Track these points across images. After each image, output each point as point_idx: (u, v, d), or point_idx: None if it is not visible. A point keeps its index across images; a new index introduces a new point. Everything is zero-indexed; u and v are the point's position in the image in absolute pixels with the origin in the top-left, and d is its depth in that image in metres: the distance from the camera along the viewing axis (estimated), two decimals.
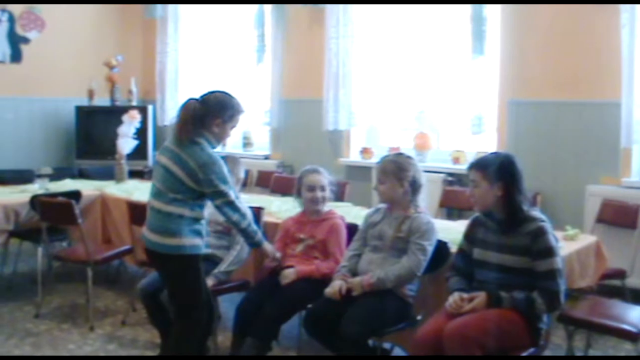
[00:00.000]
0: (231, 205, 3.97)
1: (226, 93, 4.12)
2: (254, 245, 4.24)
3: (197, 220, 3.98)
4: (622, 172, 5.76)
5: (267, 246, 4.31)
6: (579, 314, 4.08)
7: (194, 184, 3.90)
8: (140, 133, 7.32)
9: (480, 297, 3.59)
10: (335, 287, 4.05)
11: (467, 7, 6.37)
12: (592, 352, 4.64)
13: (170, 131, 7.93)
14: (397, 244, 4.06)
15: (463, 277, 3.82)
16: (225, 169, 3.97)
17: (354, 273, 4.16)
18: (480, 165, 3.75)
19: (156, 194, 4.02)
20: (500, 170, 3.68)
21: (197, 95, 4.07)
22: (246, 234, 4.14)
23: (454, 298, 3.66)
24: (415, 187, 4.14)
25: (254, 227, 4.15)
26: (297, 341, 4.74)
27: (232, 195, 3.98)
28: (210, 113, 3.97)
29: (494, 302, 3.56)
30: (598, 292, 4.75)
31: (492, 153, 4.00)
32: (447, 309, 3.65)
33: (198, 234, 3.99)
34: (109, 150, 7.44)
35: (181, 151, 3.93)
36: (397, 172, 4.12)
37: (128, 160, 7.02)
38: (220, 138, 4.06)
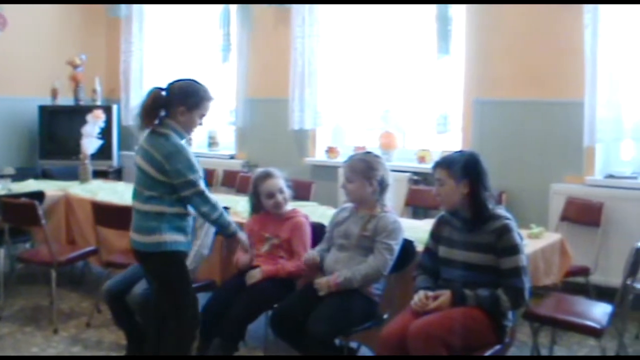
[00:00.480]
0: (201, 195, 3.88)
1: (192, 80, 4.06)
2: (229, 235, 4.13)
3: (179, 216, 3.91)
4: (585, 170, 5.82)
5: (242, 235, 4.21)
6: (543, 311, 4.12)
7: (164, 176, 3.82)
8: (105, 133, 7.27)
9: (445, 295, 3.61)
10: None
11: (433, 7, 6.39)
12: (557, 349, 4.68)
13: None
14: (363, 243, 4.06)
15: (429, 276, 3.83)
16: (192, 158, 3.87)
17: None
18: (445, 163, 3.76)
19: (135, 194, 3.96)
20: (465, 168, 3.70)
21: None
22: (219, 224, 4.05)
23: (419, 296, 3.67)
24: (383, 186, 4.15)
25: (226, 217, 4.06)
26: (264, 341, 4.72)
27: (201, 185, 3.88)
28: (174, 101, 3.90)
29: (459, 300, 3.57)
30: (562, 289, 4.81)
31: (456, 152, 4.02)
32: (412, 307, 3.66)
33: (180, 230, 3.91)
34: (73, 150, 7.35)
35: (148, 145, 3.86)
36: (366, 171, 4.12)
37: (92, 160, 6.96)
38: (187, 127, 3.96)
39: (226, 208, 4.93)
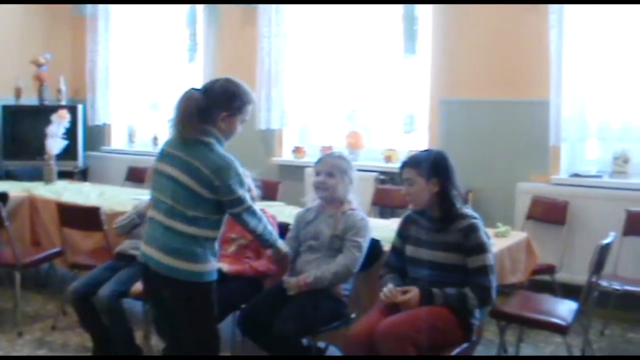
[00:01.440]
0: (250, 210, 3.48)
1: (232, 80, 3.59)
2: (269, 246, 3.79)
3: (215, 239, 3.49)
4: (551, 169, 5.86)
5: (281, 244, 3.85)
6: (510, 309, 4.14)
7: (211, 194, 3.36)
8: (70, 133, 7.20)
9: (414, 291, 3.61)
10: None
11: (399, 7, 6.41)
12: (523, 346, 4.72)
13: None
14: (334, 244, 4.06)
15: (396, 275, 3.84)
16: (241, 171, 3.46)
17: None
18: (414, 162, 3.77)
19: (168, 211, 3.40)
20: (434, 167, 3.71)
21: (199, 86, 3.55)
22: (262, 238, 3.66)
23: (388, 287, 3.67)
24: (351, 184, 4.19)
25: (269, 227, 3.68)
26: (232, 341, 4.70)
27: (249, 200, 3.49)
28: (214, 105, 3.43)
29: (426, 299, 3.58)
30: (529, 287, 4.84)
31: (423, 150, 4.03)
32: (381, 298, 3.66)
33: (215, 255, 3.50)
34: (38, 150, 7.27)
35: (188, 156, 3.39)
36: (347, 169, 4.17)
37: (57, 161, 6.90)
38: (228, 134, 3.52)
39: None
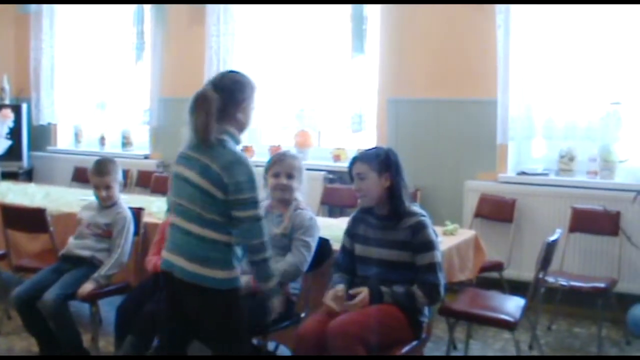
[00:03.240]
0: (258, 222, 3.24)
1: (234, 70, 3.56)
2: (263, 281, 3.39)
3: (237, 245, 3.32)
4: (498, 167, 5.93)
5: (275, 302, 3.52)
6: (459, 306, 4.17)
7: (223, 193, 3.20)
8: (14, 133, 7.09)
9: (363, 293, 3.61)
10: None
11: (348, 7, 6.42)
12: (472, 343, 4.75)
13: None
14: (282, 242, 4.04)
15: (345, 273, 3.83)
16: (255, 173, 3.26)
17: None
18: (366, 157, 3.76)
19: (187, 214, 3.30)
20: (386, 161, 3.71)
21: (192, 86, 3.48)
22: (262, 269, 3.34)
23: (334, 292, 3.67)
24: (301, 184, 4.19)
25: (273, 264, 3.37)
26: None
27: (261, 209, 3.28)
28: (233, 99, 3.33)
29: (376, 298, 3.59)
30: (477, 284, 4.88)
31: (373, 147, 4.02)
32: (326, 305, 3.65)
33: (240, 260, 3.34)
34: None
35: (202, 155, 3.27)
36: (302, 170, 4.16)
37: (1, 162, 6.78)
38: (244, 125, 3.41)
39: (141, 209, 4.86)
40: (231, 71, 3.54)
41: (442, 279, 3.63)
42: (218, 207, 3.22)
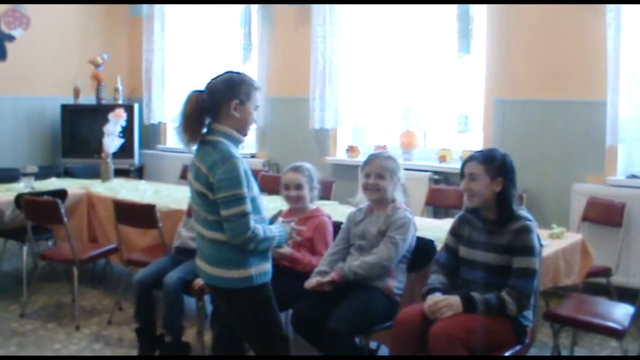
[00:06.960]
0: (244, 218, 3.21)
1: (233, 71, 3.48)
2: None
3: None
4: (607, 170, 5.78)
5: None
6: (564, 311, 4.10)
7: (213, 194, 3.23)
8: (126, 131, 7.31)
9: (456, 304, 3.56)
10: (312, 282, 4.05)
11: (454, 7, 6.38)
12: (577, 350, 4.67)
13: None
14: (378, 241, 4.05)
15: (444, 275, 3.81)
16: (242, 170, 3.23)
17: None
18: (484, 159, 3.71)
19: (198, 219, 3.40)
20: (503, 167, 3.67)
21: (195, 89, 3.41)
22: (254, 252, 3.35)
23: (432, 301, 3.63)
24: (399, 184, 4.18)
25: (266, 242, 3.34)
26: None
27: (248, 205, 3.23)
28: (222, 98, 3.32)
29: (469, 308, 3.54)
30: (584, 290, 4.78)
31: (490, 149, 3.94)
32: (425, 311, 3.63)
33: (266, 256, 3.38)
34: (95, 148, 7.45)
35: (196, 159, 3.33)
36: (395, 170, 4.16)
37: (114, 159, 7.00)
38: (244, 124, 3.40)
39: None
40: (229, 71, 3.48)
41: (534, 288, 3.55)
42: (214, 208, 3.25)
